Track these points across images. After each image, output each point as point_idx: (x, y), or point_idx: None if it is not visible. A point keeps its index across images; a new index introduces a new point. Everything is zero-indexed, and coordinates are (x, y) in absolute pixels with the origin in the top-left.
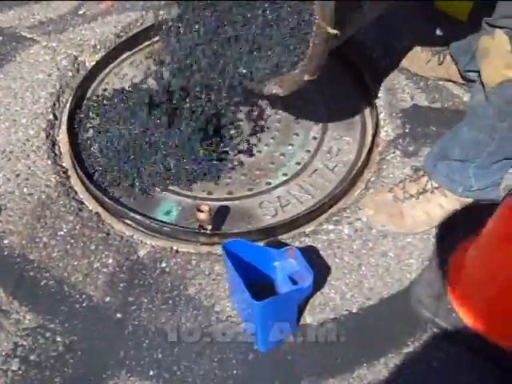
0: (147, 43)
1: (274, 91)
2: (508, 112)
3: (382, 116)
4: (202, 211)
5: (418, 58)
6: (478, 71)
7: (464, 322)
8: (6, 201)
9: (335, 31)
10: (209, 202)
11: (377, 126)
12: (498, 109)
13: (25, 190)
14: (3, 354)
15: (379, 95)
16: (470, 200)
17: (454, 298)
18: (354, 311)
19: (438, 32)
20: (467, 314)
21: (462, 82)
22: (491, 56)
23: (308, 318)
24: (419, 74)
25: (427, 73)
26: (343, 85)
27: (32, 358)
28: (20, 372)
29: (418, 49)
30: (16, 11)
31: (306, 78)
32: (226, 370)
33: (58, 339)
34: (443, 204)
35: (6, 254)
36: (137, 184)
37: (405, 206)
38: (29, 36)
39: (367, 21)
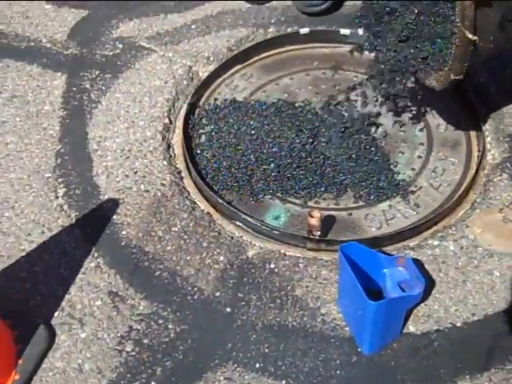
0: (257, 58)
1: (433, 85)
2: None
3: (488, 140)
4: (313, 217)
5: None
6: None
7: None
8: (124, 195)
9: (474, 37)
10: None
11: (483, 149)
12: None
13: (142, 186)
14: (119, 335)
15: (486, 119)
16: None
17: None
18: (458, 325)
19: None
20: None
21: None
22: None
23: (412, 327)
24: None
25: None
26: (451, 108)
27: (145, 341)
28: (133, 353)
29: None
30: (136, 22)
31: (452, 76)
32: (329, 369)
33: (170, 326)
34: None
35: (123, 244)
36: (247, 189)
37: None
38: (147, 46)
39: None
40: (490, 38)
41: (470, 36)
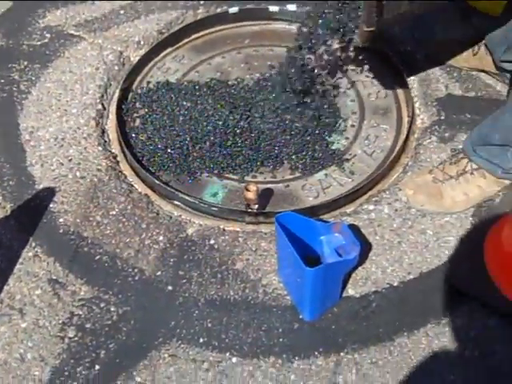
0: (187, 40)
1: (355, 42)
2: None
3: (417, 105)
4: (249, 190)
5: (453, 49)
6: None
7: (502, 294)
8: (60, 183)
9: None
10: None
11: (413, 114)
12: None
13: (77, 173)
14: (60, 322)
15: (414, 86)
16: (507, 182)
17: (491, 271)
18: (395, 284)
19: (471, 25)
20: (505, 285)
21: (495, 72)
22: None
23: (351, 291)
24: (453, 64)
25: (461, 63)
26: (381, 77)
27: (87, 326)
28: (76, 339)
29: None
30: (62, 11)
31: (365, 28)
32: (272, 338)
33: (112, 309)
34: (482, 185)
35: (61, 231)
36: (184, 169)
37: (444, 187)
38: (76, 33)
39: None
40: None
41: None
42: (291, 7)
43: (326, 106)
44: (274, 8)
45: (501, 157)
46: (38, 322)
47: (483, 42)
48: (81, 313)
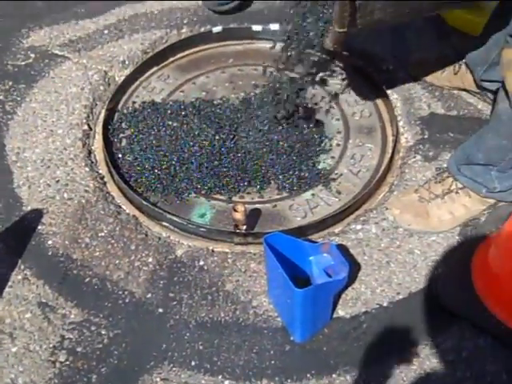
0: (172, 59)
1: (327, 45)
2: None
3: (401, 124)
4: (237, 211)
5: (434, 69)
6: (496, 81)
7: (490, 313)
8: (47, 205)
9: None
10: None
11: (397, 133)
12: None
13: (65, 194)
14: (51, 346)
15: (398, 105)
16: (492, 200)
17: (479, 291)
18: (385, 305)
19: (450, 45)
20: (494, 306)
21: (476, 91)
22: None
23: (341, 312)
24: (435, 84)
25: (442, 82)
26: (364, 97)
27: (78, 349)
28: (67, 363)
29: (432, 60)
30: (46, 31)
31: (336, 29)
32: (264, 360)
33: (103, 332)
34: (467, 204)
35: (50, 254)
36: (171, 189)
37: (430, 206)
38: (60, 53)
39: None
40: None
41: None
42: (274, 27)
43: (311, 125)
44: (257, 27)
45: (484, 176)
46: (29, 346)
47: (463, 60)
48: (71, 336)
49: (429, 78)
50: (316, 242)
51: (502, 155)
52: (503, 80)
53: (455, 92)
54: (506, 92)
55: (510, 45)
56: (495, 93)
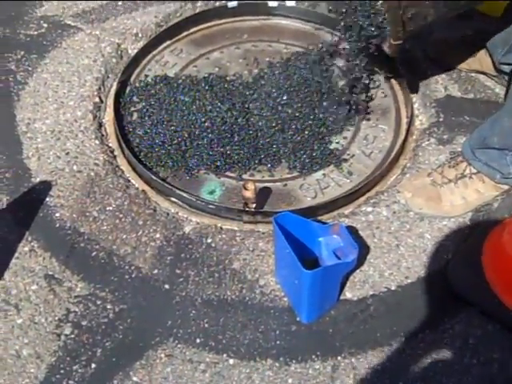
0: (186, 33)
1: (386, 51)
2: None
3: (416, 106)
4: (247, 189)
5: (452, 50)
6: None
7: (500, 301)
8: (56, 177)
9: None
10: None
11: (411, 115)
12: None
13: (74, 167)
14: (56, 319)
15: (414, 86)
16: (506, 187)
17: (490, 277)
18: (393, 288)
19: (471, 26)
20: (503, 292)
21: (494, 74)
22: None
23: (348, 294)
24: (453, 65)
25: (460, 65)
26: (378, 75)
27: (84, 323)
28: (72, 336)
29: (452, 41)
30: (60, 1)
31: (392, 41)
32: (269, 340)
33: (109, 307)
34: (480, 189)
35: (57, 226)
36: (181, 165)
37: (443, 191)
38: (73, 24)
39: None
40: (425, 3)
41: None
42: (290, 3)
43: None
44: (273, 3)
45: (500, 161)
46: (34, 318)
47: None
48: (77, 310)
49: (447, 60)
50: (326, 223)
51: None
52: None
53: (473, 75)
54: None
55: None
56: None
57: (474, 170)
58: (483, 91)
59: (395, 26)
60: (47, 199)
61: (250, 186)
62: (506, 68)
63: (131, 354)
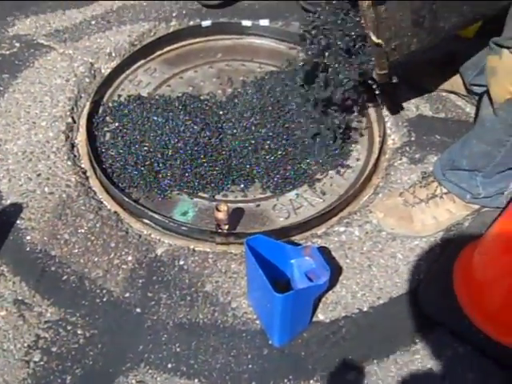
0: (160, 52)
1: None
2: None
3: (388, 125)
4: (220, 210)
5: (423, 71)
6: (485, 85)
7: (470, 321)
8: (27, 199)
9: (378, 40)
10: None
11: (384, 134)
12: (505, 124)
13: (46, 189)
14: (25, 345)
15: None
16: (476, 206)
17: (460, 298)
18: (365, 310)
19: (443, 47)
20: (473, 313)
21: (465, 94)
22: (499, 75)
23: (321, 316)
24: (424, 85)
25: (432, 85)
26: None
27: (54, 349)
28: (42, 363)
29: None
30: (33, 20)
31: (378, 71)
32: (241, 364)
33: (79, 332)
34: (451, 209)
35: (28, 249)
36: (154, 186)
37: (414, 210)
38: (46, 43)
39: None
40: (407, 34)
41: (373, 38)
42: (264, 22)
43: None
44: (246, 23)
45: (469, 182)
46: (3, 345)
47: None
48: (47, 336)
49: (418, 80)
50: (298, 244)
51: (486, 161)
52: (487, 85)
53: (444, 94)
54: (490, 98)
55: (495, 52)
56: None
57: (445, 190)
58: (454, 110)
59: (379, 58)
60: (18, 222)
61: (223, 207)
62: (477, 89)
63: (101, 381)
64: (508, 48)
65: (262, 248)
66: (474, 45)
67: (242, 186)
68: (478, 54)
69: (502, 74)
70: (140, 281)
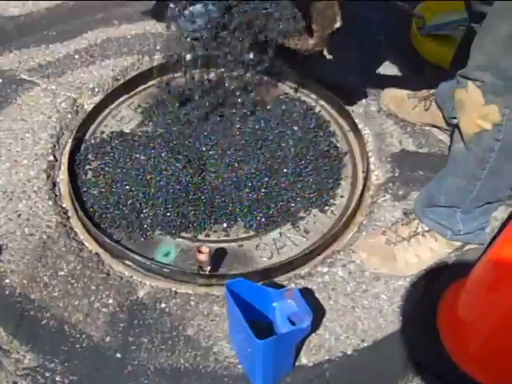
0: (144, 86)
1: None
2: (487, 160)
3: (372, 160)
4: (202, 252)
5: (406, 105)
6: None
7: (455, 365)
8: (7, 240)
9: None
10: (207, 244)
11: (367, 170)
12: (477, 157)
13: (26, 230)
14: None
15: (369, 140)
16: (459, 243)
17: (445, 340)
18: (349, 353)
19: (423, 79)
20: (458, 356)
21: (447, 127)
22: (467, 108)
23: (304, 359)
24: (406, 119)
25: (414, 119)
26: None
27: None
28: None
29: (405, 95)
30: (15, 54)
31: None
32: None
33: (58, 379)
34: (434, 247)
35: (7, 293)
36: (136, 226)
37: (397, 249)
38: (28, 79)
39: None
40: None
41: None
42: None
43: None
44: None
45: (449, 219)
46: None
47: (434, 97)
48: (24, 383)
49: (401, 114)
50: (281, 286)
51: (463, 196)
52: (457, 120)
53: (426, 128)
54: (461, 132)
55: (461, 85)
56: None
57: (427, 228)
58: (437, 145)
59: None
60: None
61: (204, 249)
62: (457, 122)
63: None
64: (473, 80)
65: (243, 291)
66: (450, 75)
67: (225, 225)
68: (452, 86)
69: (469, 107)
70: (121, 324)
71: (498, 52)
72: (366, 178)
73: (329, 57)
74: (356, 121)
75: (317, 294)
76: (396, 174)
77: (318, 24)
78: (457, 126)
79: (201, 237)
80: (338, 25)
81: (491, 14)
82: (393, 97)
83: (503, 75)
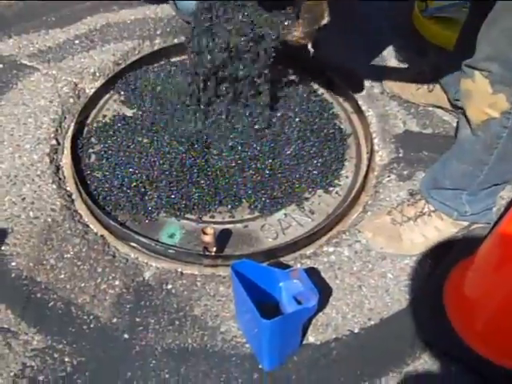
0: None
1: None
2: (495, 146)
3: (376, 141)
4: (206, 234)
5: (409, 86)
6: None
7: (462, 341)
8: (12, 224)
9: None
10: (212, 226)
11: (371, 151)
12: (484, 144)
13: (31, 213)
14: (12, 374)
15: (373, 121)
16: (465, 223)
17: (451, 318)
18: (356, 331)
19: (428, 61)
20: (465, 332)
21: (451, 108)
22: (474, 97)
23: (311, 338)
24: (410, 100)
25: (418, 99)
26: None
27: (40, 378)
28: None
29: (409, 77)
30: (15, 40)
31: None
32: None
33: (66, 360)
34: (440, 227)
35: (13, 276)
36: (140, 208)
37: (403, 229)
38: (29, 64)
39: None
40: None
41: None
42: None
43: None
44: None
45: (455, 200)
46: None
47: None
48: (33, 364)
49: (405, 95)
50: (287, 266)
51: (469, 181)
52: (464, 108)
53: (430, 109)
54: (467, 119)
55: (467, 74)
56: None
57: (433, 208)
58: (441, 126)
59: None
60: (3, 248)
61: (209, 230)
62: (461, 104)
63: None
64: (480, 70)
65: (249, 272)
66: (455, 58)
67: (230, 206)
68: (458, 68)
69: (476, 96)
70: (128, 306)
71: (506, 43)
72: (371, 159)
73: (312, 51)
74: (360, 103)
75: (323, 274)
76: (400, 155)
77: (305, 19)
78: (463, 114)
79: (205, 218)
80: (325, 21)
81: (498, 6)
82: (396, 79)
83: (511, 66)
